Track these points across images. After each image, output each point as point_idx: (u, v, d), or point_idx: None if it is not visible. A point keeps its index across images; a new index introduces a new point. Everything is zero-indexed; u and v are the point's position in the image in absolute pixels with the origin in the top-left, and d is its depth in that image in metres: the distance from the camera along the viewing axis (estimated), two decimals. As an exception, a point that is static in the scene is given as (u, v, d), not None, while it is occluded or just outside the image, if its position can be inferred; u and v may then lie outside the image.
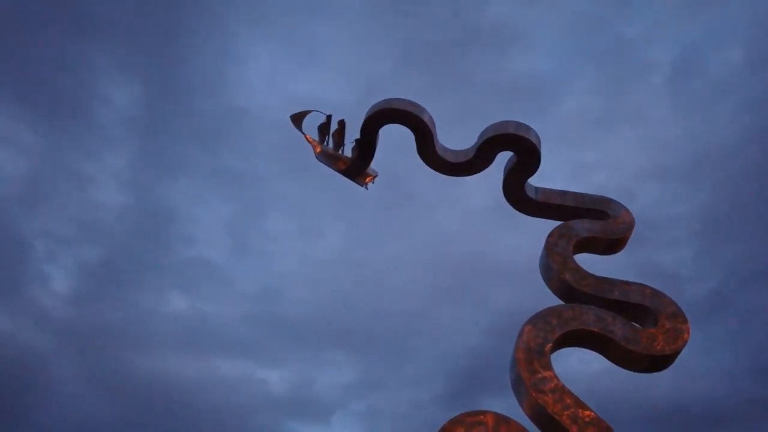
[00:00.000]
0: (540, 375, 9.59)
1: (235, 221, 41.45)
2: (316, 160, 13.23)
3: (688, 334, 10.02)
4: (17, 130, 36.37)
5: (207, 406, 38.10)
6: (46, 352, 36.42)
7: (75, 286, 38.47)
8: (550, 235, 11.31)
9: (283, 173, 39.30)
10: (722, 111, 35.83)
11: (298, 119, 13.24)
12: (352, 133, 12.92)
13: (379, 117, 11.76)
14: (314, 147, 13.11)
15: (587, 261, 11.30)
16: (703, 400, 32.83)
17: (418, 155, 12.18)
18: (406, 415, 38.45)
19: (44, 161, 37.61)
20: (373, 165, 12.90)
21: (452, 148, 12.31)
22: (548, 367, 9.70)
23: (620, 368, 10.40)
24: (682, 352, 10.05)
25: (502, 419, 9.36)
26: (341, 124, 13.17)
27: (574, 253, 11.18)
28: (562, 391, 9.47)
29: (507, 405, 10.07)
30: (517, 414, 9.73)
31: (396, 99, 11.71)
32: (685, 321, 10.14)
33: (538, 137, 11.49)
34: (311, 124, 13.30)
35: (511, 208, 12.38)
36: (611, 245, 11.57)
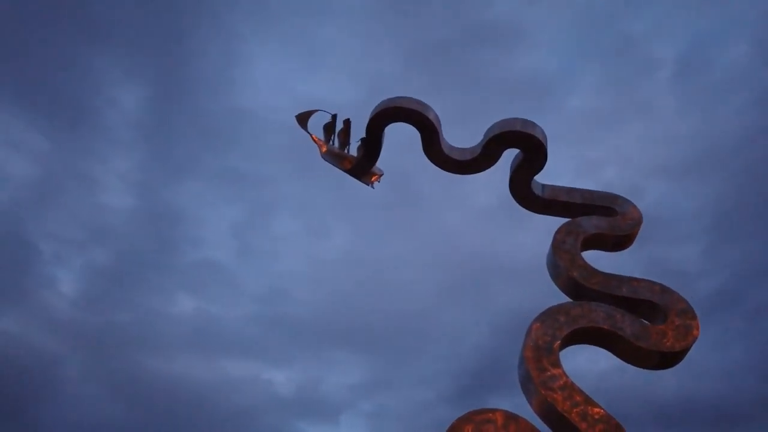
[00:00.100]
0: (549, 372, 9.55)
1: (241, 222, 41.59)
2: (322, 160, 13.24)
3: (698, 330, 9.96)
4: (25, 133, 36.64)
5: (215, 406, 38.24)
6: (54, 354, 36.68)
7: (83, 288, 38.73)
8: (558, 232, 11.27)
9: (288, 174, 39.42)
10: (729, 106, 35.62)
11: (303, 119, 13.25)
12: (358, 133, 12.94)
13: (385, 115, 11.74)
14: (320, 146, 13.12)
15: (594, 258, 11.27)
16: (711, 398, 32.66)
17: (424, 154, 12.15)
18: (414, 415, 38.45)
19: (52, 164, 37.87)
20: (379, 164, 12.90)
21: (458, 146, 12.27)
22: (557, 364, 9.65)
23: (629, 366, 10.34)
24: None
25: (510, 417, 9.32)
26: (346, 123, 13.18)
27: (582, 250, 11.13)
28: (571, 388, 9.42)
29: (514, 404, 10.03)
30: (526, 412, 9.70)
31: (402, 97, 11.69)
32: (695, 317, 10.07)
33: (544, 134, 11.44)
34: (317, 124, 13.33)
35: (515, 206, 12.34)
36: (619, 242, 11.51)
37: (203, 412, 37.83)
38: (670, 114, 37.31)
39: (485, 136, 11.78)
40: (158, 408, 37.50)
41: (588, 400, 9.32)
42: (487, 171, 12.32)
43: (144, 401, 37.51)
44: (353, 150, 13.03)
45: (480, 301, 38.32)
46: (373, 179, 13.02)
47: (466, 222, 39.06)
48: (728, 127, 35.01)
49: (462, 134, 12.32)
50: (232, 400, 39.09)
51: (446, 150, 12.01)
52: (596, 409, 9.24)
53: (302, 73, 41.87)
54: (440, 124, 11.90)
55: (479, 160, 11.93)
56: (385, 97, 11.91)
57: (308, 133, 13.23)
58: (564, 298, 10.84)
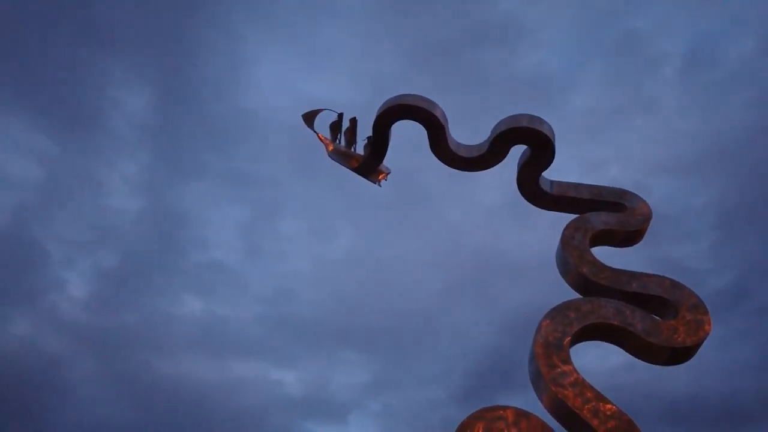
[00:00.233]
0: (559, 369, 9.50)
1: (248, 223, 41.67)
2: (327, 160, 13.25)
3: (710, 325, 9.88)
4: (32, 137, 36.84)
5: (222, 407, 38.28)
6: (64, 356, 36.84)
7: (91, 290, 38.88)
8: (566, 228, 11.22)
9: (293, 174, 39.49)
10: (736, 101, 35.45)
11: (309, 118, 13.27)
12: (364, 131, 12.94)
13: (391, 113, 11.71)
14: (327, 145, 13.12)
15: (601, 255, 11.20)
16: (721, 394, 32.48)
17: (430, 151, 12.12)
18: (421, 414, 38.42)
19: (59, 168, 38.07)
20: (385, 163, 12.88)
21: (465, 144, 12.24)
22: (567, 361, 9.60)
23: (637, 363, 10.29)
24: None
25: (521, 414, 9.29)
26: (353, 122, 13.18)
27: (591, 246, 11.07)
28: (582, 385, 9.37)
29: (522, 402, 9.96)
30: (534, 410, 9.64)
31: (408, 95, 11.66)
32: (706, 312, 10.00)
33: (551, 130, 11.39)
34: (323, 123, 13.33)
35: (520, 204, 12.31)
36: (628, 237, 11.45)
37: (211, 413, 37.91)
38: (674, 111, 37.21)
39: (492, 132, 11.74)
40: (166, 409, 37.62)
41: (599, 397, 9.28)
42: (491, 169, 12.29)
43: (152, 402, 37.63)
44: (360, 148, 13.03)
45: (486, 300, 38.28)
46: (380, 177, 13.01)
47: (470, 220, 39.07)
48: (733, 124, 34.87)
49: (465, 134, 12.30)
50: (240, 400, 39.17)
51: (453, 147, 11.98)
52: (608, 406, 9.19)
53: (306, 74, 42.01)
54: (447, 121, 11.87)
55: (486, 157, 11.89)
56: (388, 97, 11.88)
57: (315, 132, 13.24)
58: (572, 295, 10.77)
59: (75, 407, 36.59)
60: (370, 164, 12.72)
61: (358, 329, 39.75)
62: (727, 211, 34.26)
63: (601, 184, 12.16)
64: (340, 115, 13.20)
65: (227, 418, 37.93)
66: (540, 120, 11.39)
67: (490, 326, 37.35)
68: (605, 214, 11.50)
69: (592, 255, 10.92)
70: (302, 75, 41.87)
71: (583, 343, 10.37)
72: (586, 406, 9.17)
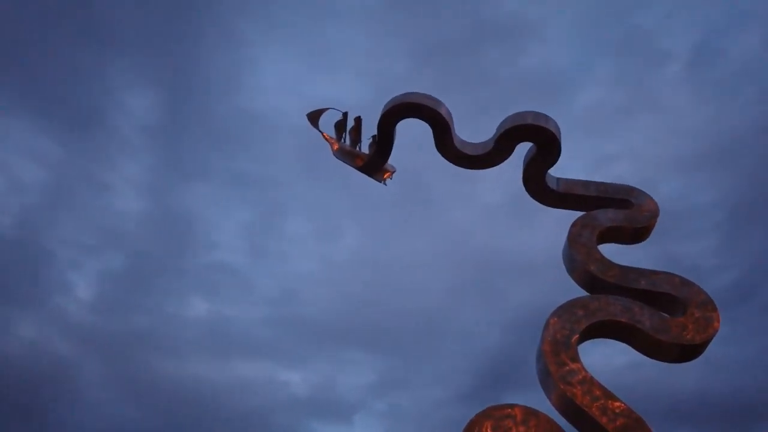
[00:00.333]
0: (567, 367, 9.45)
1: (253, 224, 41.71)
2: (331, 161, 13.22)
3: (719, 322, 9.82)
4: (36, 140, 37.00)
5: (229, 408, 38.37)
6: (71, 360, 37.00)
7: (98, 293, 39.04)
8: (573, 225, 11.16)
9: (299, 175, 39.49)
10: (744, 97, 35.21)
11: (314, 117, 13.23)
12: (369, 130, 12.90)
13: (396, 111, 11.68)
14: (332, 144, 13.09)
15: (607, 252, 11.13)
16: (728, 392, 32.30)
17: (435, 149, 12.09)
18: (428, 414, 38.39)
19: (64, 171, 38.20)
20: (390, 161, 12.84)
21: (470, 141, 12.18)
22: (576, 358, 9.55)
23: (643, 362, 10.25)
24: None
25: (530, 412, 9.24)
26: (357, 120, 13.13)
27: (598, 244, 11.00)
28: (590, 382, 9.31)
29: (528, 402, 9.89)
30: (542, 409, 9.58)
31: (413, 93, 11.63)
32: (715, 309, 9.94)
33: (557, 127, 11.33)
34: (328, 122, 13.30)
35: (524, 203, 12.24)
36: (636, 234, 11.37)
37: (218, 414, 38.01)
38: (682, 107, 36.95)
39: (497, 130, 11.69)
40: (173, 410, 37.74)
41: (608, 394, 9.22)
42: (496, 168, 12.22)
43: (157, 403, 37.77)
44: (365, 147, 12.99)
45: (491, 299, 38.20)
46: (385, 176, 12.96)
47: (475, 220, 38.94)
48: (741, 119, 34.63)
49: (470, 132, 12.24)
50: (246, 401, 39.26)
51: (458, 145, 11.93)
52: (617, 403, 9.13)
53: (309, 75, 41.95)
54: (452, 119, 11.83)
55: (492, 155, 11.83)
56: (392, 96, 11.81)
57: (319, 131, 13.21)
58: (577, 293, 10.68)
59: (81, 409, 36.79)
60: (375, 163, 12.68)
61: (364, 329, 39.78)
62: (734, 208, 34.08)
63: (608, 181, 12.08)
64: (345, 114, 13.16)
65: (233, 418, 38.05)
66: (545, 117, 11.33)
67: (494, 325, 37.32)
68: (612, 211, 11.42)
69: (599, 252, 10.84)
70: (306, 75, 41.86)
71: (589, 341, 10.30)
72: (595, 404, 9.11)
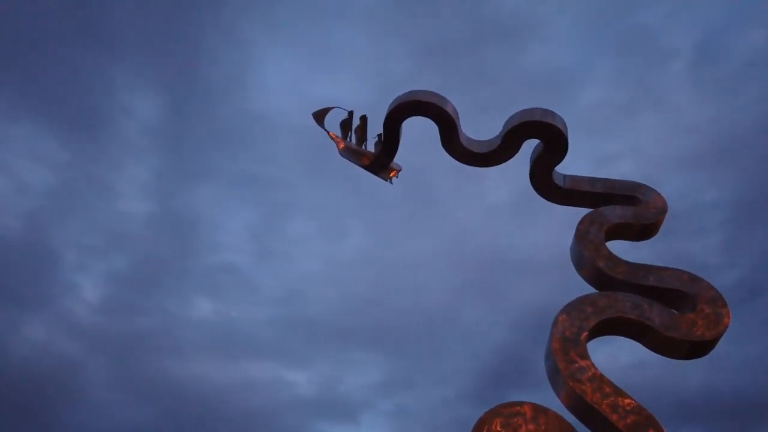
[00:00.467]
0: (577, 364, 9.41)
1: (258, 225, 41.74)
2: (337, 159, 13.23)
3: (729, 318, 9.77)
4: (43, 144, 37.17)
5: (236, 408, 38.41)
6: (78, 360, 37.10)
7: (104, 294, 39.14)
8: (581, 222, 11.12)
9: (302, 175, 39.57)
10: (747, 94, 35.02)
11: (320, 116, 13.26)
12: (375, 129, 12.90)
13: (402, 109, 11.66)
14: (338, 143, 13.10)
15: (614, 249, 11.09)
16: (735, 390, 32.14)
17: (442, 147, 12.05)
18: (434, 414, 38.33)
19: (69, 173, 38.32)
20: (395, 160, 12.82)
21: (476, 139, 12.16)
22: (585, 356, 9.51)
23: (649, 360, 10.21)
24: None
25: (540, 409, 9.21)
26: (363, 119, 13.16)
27: (606, 240, 10.96)
28: (600, 380, 9.28)
29: (534, 401, 9.83)
30: (551, 407, 9.55)
31: (419, 91, 11.62)
32: (725, 305, 9.89)
33: (564, 123, 11.29)
34: (334, 121, 13.31)
35: (529, 202, 12.29)
36: (644, 231, 11.32)
37: (223, 415, 38.04)
38: (686, 105, 36.83)
39: (504, 127, 11.65)
40: (178, 410, 37.79)
41: (618, 391, 9.17)
42: (500, 167, 12.20)
43: (164, 404, 37.82)
44: (370, 146, 12.99)
45: (497, 298, 38.14)
46: (391, 174, 12.96)
47: (480, 219, 38.91)
48: (745, 116, 34.47)
49: (474, 131, 12.20)
50: (252, 401, 39.27)
51: (465, 143, 11.90)
52: (627, 400, 9.09)
53: (312, 75, 42.01)
54: (458, 117, 11.80)
55: (498, 152, 11.80)
56: (397, 95, 11.80)
57: (325, 130, 13.22)
58: (581, 291, 10.63)
59: (87, 408, 36.89)
60: (381, 161, 12.68)
61: (370, 329, 39.76)
62: (739, 205, 33.91)
63: (614, 178, 12.03)
64: (350, 113, 13.19)
65: (239, 419, 38.08)
66: (552, 113, 11.29)
67: (499, 325, 37.28)
68: (620, 208, 11.38)
69: (607, 249, 10.80)
70: (309, 76, 41.90)
71: (595, 340, 10.23)
72: (605, 401, 9.07)
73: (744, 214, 33.90)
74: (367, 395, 40.58)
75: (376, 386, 40.73)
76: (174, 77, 39.02)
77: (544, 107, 11.39)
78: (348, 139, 13.12)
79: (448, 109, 11.57)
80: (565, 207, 12.23)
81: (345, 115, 13.22)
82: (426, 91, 11.60)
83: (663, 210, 11.31)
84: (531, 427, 9.07)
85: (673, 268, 10.52)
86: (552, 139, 11.33)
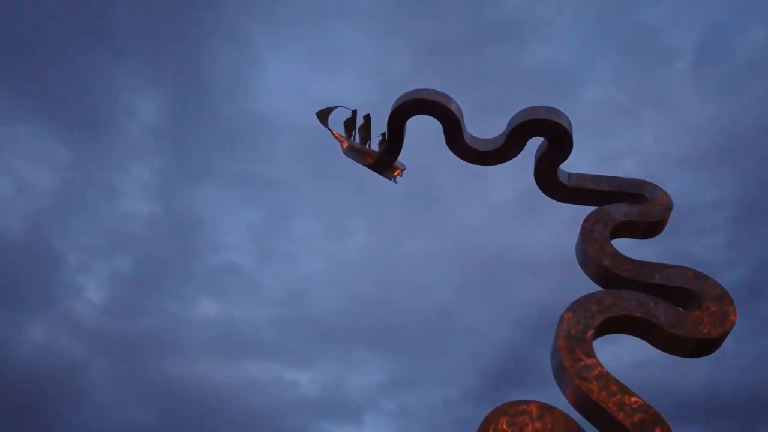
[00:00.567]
0: (583, 363, 9.37)
1: (261, 225, 41.76)
2: (340, 159, 13.20)
3: (735, 315, 9.74)
4: (46, 145, 37.26)
5: (239, 409, 38.41)
6: (81, 361, 37.13)
7: (108, 295, 39.18)
8: (586, 220, 11.10)
9: (305, 175, 39.58)
10: (749, 94, 35.00)
11: (323, 116, 13.22)
12: (378, 128, 12.87)
13: (406, 108, 11.64)
14: (341, 142, 13.07)
15: (619, 248, 11.05)
16: (739, 389, 32.08)
17: (446, 145, 12.04)
18: (438, 413, 38.32)
19: (72, 174, 38.40)
20: (399, 159, 12.80)
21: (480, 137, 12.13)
22: (591, 354, 9.47)
23: (653, 359, 10.18)
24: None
25: (546, 408, 9.17)
26: (367, 118, 13.11)
27: (611, 238, 10.94)
28: (606, 378, 9.24)
29: (538, 400, 9.82)
30: (557, 406, 9.51)
31: (423, 89, 11.60)
32: (732, 302, 9.86)
33: (569, 121, 11.26)
34: (337, 120, 13.28)
35: (532, 201, 12.28)
36: (650, 229, 11.29)
37: (226, 415, 38.04)
38: (688, 104, 36.81)
39: (509, 125, 11.62)
40: (181, 411, 37.81)
41: (624, 390, 9.14)
42: (504, 166, 12.16)
43: (167, 404, 37.84)
44: (374, 145, 12.97)
45: (500, 297, 38.12)
46: (395, 174, 12.93)
47: (483, 218, 38.89)
48: (747, 116, 34.44)
49: (474, 132, 12.16)
50: (255, 401, 39.28)
51: (469, 141, 11.87)
52: (633, 398, 9.05)
53: (313, 75, 42.08)
54: (462, 115, 11.78)
55: (503, 150, 11.77)
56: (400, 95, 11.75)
57: (329, 129, 13.19)
58: (586, 289, 10.59)
59: (90, 410, 36.92)
60: (385, 160, 12.65)
61: (373, 329, 39.75)
62: (742, 203, 33.86)
63: (619, 176, 12.00)
64: (354, 112, 13.14)
65: (242, 419, 38.08)
66: (557, 111, 11.27)
67: (503, 324, 37.23)
68: (625, 206, 11.35)
69: (612, 247, 10.78)
70: (310, 76, 41.94)
71: (598, 339, 10.17)
72: (612, 400, 9.03)
73: (745, 213, 33.88)
74: (371, 395, 40.63)
75: (379, 386, 40.77)
76: (175, 77, 39.12)
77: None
78: (352, 138, 13.09)
79: (453, 108, 11.55)
80: (568, 205, 12.21)
81: (349, 114, 13.19)
82: (430, 90, 11.57)
83: (668, 208, 11.28)
84: (537, 425, 9.03)
85: (678, 266, 10.49)
86: (557, 137, 11.30)
